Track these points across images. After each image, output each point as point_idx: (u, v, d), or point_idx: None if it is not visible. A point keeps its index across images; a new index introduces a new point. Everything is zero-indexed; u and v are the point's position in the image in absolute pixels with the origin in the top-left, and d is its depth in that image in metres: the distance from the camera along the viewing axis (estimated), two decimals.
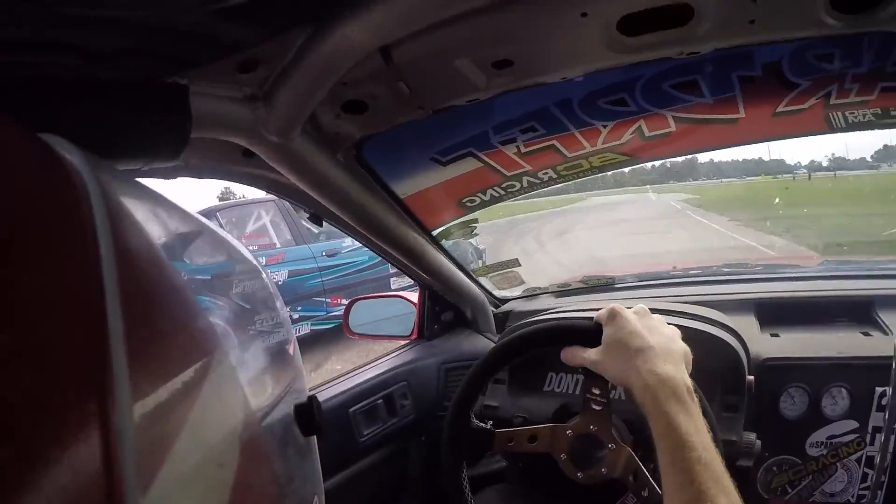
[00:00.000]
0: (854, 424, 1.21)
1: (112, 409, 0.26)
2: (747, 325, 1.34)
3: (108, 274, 0.28)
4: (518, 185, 1.14)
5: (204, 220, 0.60)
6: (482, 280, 1.55)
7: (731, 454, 0.98)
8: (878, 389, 1.18)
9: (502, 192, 1.16)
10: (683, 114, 0.94)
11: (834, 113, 0.94)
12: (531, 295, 1.67)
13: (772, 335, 1.34)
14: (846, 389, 1.21)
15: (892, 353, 1.18)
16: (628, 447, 0.88)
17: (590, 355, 0.78)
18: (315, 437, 0.71)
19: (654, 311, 0.95)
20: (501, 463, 1.38)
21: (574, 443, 0.89)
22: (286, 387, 0.67)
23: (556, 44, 0.74)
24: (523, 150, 1.04)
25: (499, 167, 1.08)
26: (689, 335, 1.19)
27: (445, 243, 1.32)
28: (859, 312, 1.39)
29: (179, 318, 0.39)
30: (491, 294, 1.60)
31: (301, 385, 0.74)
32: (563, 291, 1.63)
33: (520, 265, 1.61)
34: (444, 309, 1.51)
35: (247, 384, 0.51)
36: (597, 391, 0.86)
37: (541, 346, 0.94)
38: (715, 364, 1.13)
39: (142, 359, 0.30)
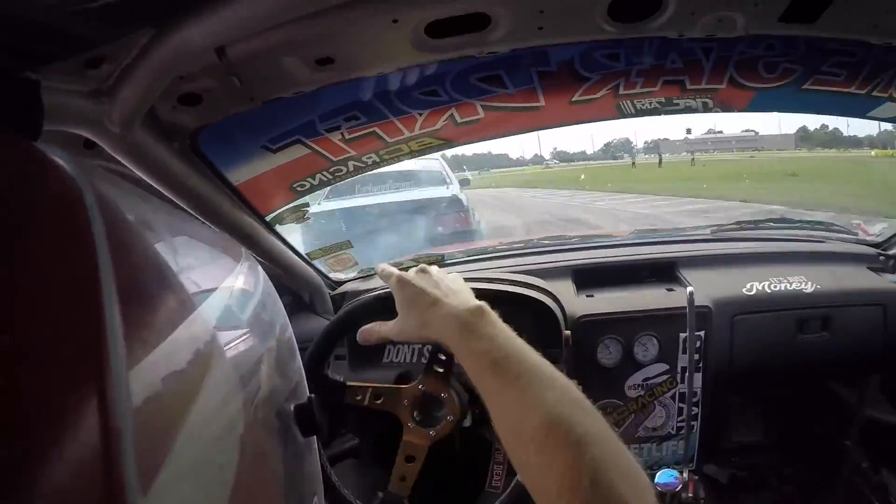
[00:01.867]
0: (665, 367, 1.41)
1: (112, 410, 0.25)
2: (565, 289, 1.49)
3: (106, 275, 0.28)
4: (344, 170, 1.17)
5: (200, 221, 0.62)
6: (317, 263, 1.59)
7: None
8: (682, 335, 1.37)
9: (330, 177, 1.19)
10: (490, 103, 1.02)
11: (623, 101, 1.06)
12: (365, 276, 1.73)
13: (587, 296, 1.50)
14: (655, 338, 1.40)
15: (697, 304, 1.38)
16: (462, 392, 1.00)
17: (385, 327, 0.75)
18: (315, 437, 0.71)
19: (472, 280, 1.03)
20: (354, 441, 1.45)
21: (416, 404, 0.98)
22: (285, 387, 0.67)
23: (372, 44, 0.80)
24: (347, 136, 1.07)
25: (325, 153, 1.11)
26: (511, 299, 1.31)
27: (280, 228, 1.33)
28: (664, 272, 1.59)
29: (177, 318, 0.39)
30: (326, 277, 1.63)
31: (301, 385, 0.74)
32: None
33: (352, 247, 1.65)
34: (282, 294, 1.51)
35: (246, 384, 0.51)
36: (443, 357, 0.96)
37: (343, 334, 1.09)
38: (535, 323, 1.28)
39: (140, 359, 0.30)
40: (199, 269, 0.54)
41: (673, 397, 1.42)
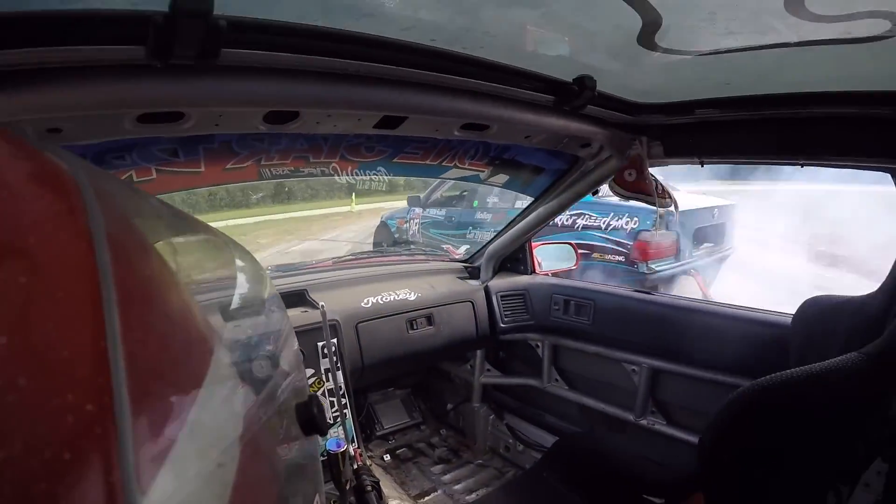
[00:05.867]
0: (312, 370, 1.85)
1: (111, 410, 0.25)
2: (213, 321, 1.85)
3: (105, 277, 0.28)
4: None
5: (200, 221, 0.62)
6: None
7: None
8: (320, 344, 1.82)
9: None
10: (163, 167, 1.36)
11: (263, 168, 1.50)
12: None
13: (235, 325, 1.87)
14: (300, 349, 1.79)
15: (320, 320, 1.85)
16: None
17: None
18: (317, 436, 0.72)
19: None
20: None
21: None
22: (287, 386, 0.66)
23: (95, 125, 1.04)
24: None
25: None
26: None
27: None
28: (298, 298, 2.05)
29: (177, 319, 0.39)
30: None
31: (302, 385, 0.74)
32: None
33: None
34: None
35: (247, 383, 0.50)
36: None
37: None
38: None
39: (140, 359, 0.29)
40: (200, 269, 0.54)
41: (324, 393, 1.86)
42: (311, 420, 0.68)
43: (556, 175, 2.03)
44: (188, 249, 0.55)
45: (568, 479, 2.05)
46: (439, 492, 2.28)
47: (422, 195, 7.18)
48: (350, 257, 2.64)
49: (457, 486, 2.31)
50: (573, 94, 1.31)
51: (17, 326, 0.24)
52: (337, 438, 1.66)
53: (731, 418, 0.99)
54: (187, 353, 0.38)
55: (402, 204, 7.93)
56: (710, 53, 1.07)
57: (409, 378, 2.79)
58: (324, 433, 0.71)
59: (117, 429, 0.26)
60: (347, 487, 1.60)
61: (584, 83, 1.28)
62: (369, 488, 1.60)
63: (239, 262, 0.68)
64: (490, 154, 1.84)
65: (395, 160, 1.69)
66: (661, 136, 1.65)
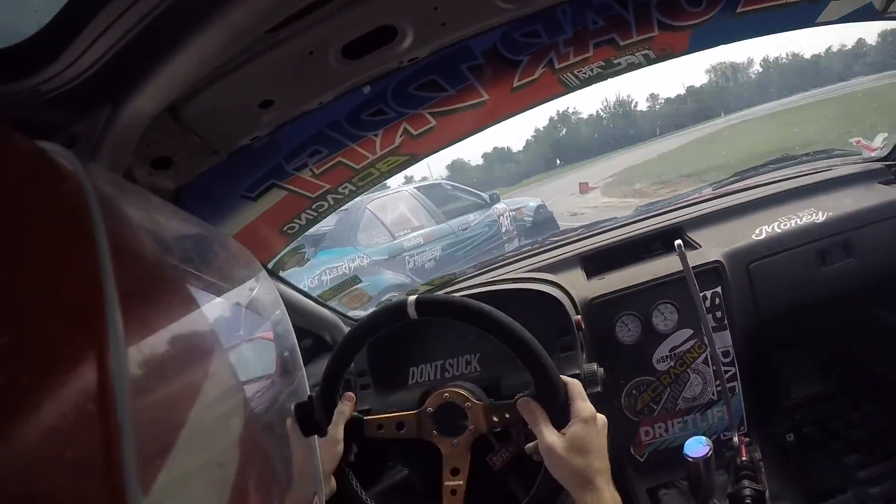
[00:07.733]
0: (689, 332, 1.37)
1: (113, 409, 0.26)
2: (575, 277, 1.52)
3: (107, 275, 0.29)
4: (326, 205, 1.22)
5: (200, 221, 0.62)
6: (332, 303, 1.61)
7: None
8: (701, 294, 1.30)
9: (315, 214, 1.23)
10: (436, 108, 1.05)
11: (564, 75, 1.07)
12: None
13: (598, 279, 1.50)
14: (672, 304, 1.38)
15: (707, 260, 1.36)
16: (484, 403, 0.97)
17: (551, 437, 0.82)
18: (315, 436, 0.72)
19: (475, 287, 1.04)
20: (403, 472, 1.42)
21: (437, 417, 0.97)
22: (286, 385, 0.67)
23: (300, 78, 0.85)
24: (317, 171, 1.12)
25: (302, 191, 1.16)
26: (517, 297, 1.32)
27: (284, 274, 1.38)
28: (671, 239, 1.50)
29: (178, 318, 0.39)
30: (345, 315, 1.64)
31: (301, 384, 0.74)
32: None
33: (360, 281, 1.67)
34: (302, 337, 1.54)
35: (246, 383, 0.51)
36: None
37: (362, 343, 1.03)
38: (546, 314, 1.25)
39: (142, 359, 0.30)
40: (200, 269, 0.53)
41: (705, 362, 1.38)
42: (309, 420, 0.67)
43: None
44: (190, 249, 0.54)
45: None
46: (848, 493, 1.62)
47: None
48: (733, 178, 2.03)
49: (873, 490, 1.61)
50: None
51: (19, 326, 0.23)
52: (700, 438, 1.15)
53: None
54: (188, 352, 0.38)
55: None
56: None
57: (827, 333, 2.05)
58: (323, 433, 0.71)
59: (119, 428, 0.26)
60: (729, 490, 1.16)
61: None
62: (748, 501, 1.13)
63: (239, 261, 0.68)
64: None
65: (739, 9, 1.05)
66: None
